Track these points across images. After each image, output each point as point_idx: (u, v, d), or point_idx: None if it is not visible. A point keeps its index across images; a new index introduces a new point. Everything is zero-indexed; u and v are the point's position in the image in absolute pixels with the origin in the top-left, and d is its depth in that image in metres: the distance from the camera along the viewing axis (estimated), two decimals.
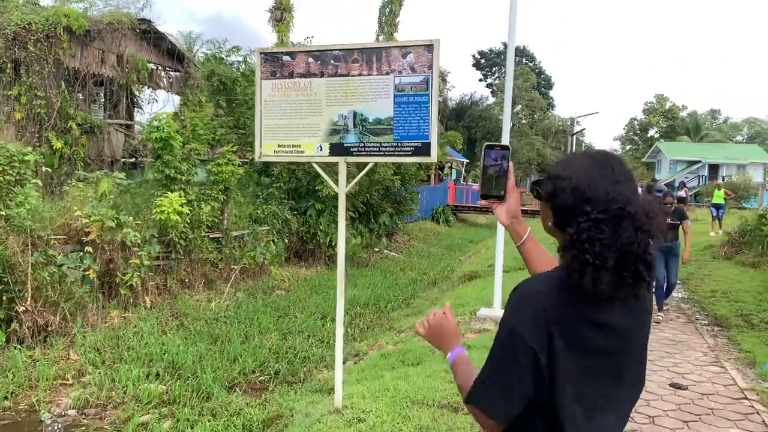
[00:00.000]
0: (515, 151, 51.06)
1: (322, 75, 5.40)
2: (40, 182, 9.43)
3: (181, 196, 11.57)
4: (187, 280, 12.36)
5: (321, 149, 5.41)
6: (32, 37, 14.28)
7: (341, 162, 5.37)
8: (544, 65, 72.93)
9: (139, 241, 10.32)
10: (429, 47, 5.11)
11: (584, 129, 58.43)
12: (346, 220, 17.20)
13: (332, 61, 5.37)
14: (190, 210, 12.03)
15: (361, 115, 5.29)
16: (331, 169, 10.97)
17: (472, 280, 13.05)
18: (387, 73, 5.23)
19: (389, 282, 14.62)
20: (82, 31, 15.08)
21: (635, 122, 74.48)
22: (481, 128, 53.61)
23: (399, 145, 5.22)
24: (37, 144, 14.36)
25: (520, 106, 58.79)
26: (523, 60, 66.36)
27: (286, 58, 5.47)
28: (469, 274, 13.84)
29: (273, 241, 14.77)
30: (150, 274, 11.04)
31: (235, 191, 14.05)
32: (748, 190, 41.75)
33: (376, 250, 19.10)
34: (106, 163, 16.47)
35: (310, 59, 5.42)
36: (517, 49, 67.75)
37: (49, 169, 14.40)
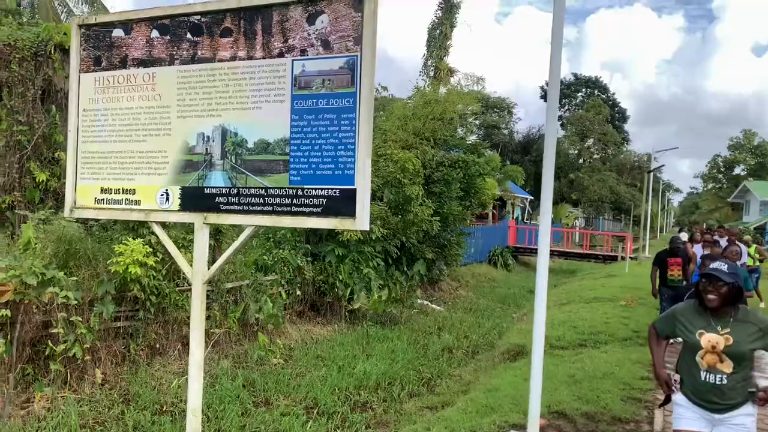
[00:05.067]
0: (585, 188, 47.42)
1: (171, 61, 2.92)
2: None
3: (149, 243, 9.34)
4: (158, 346, 10.04)
5: (167, 198, 2.92)
6: (17, 56, 12.54)
7: (199, 224, 2.85)
8: (618, 97, 68.74)
9: (75, 302, 8.08)
10: (356, 0, 2.55)
11: (663, 165, 53.97)
12: (375, 268, 14.54)
13: (189, 35, 2.89)
14: (166, 258, 9.77)
15: (235, 134, 2.77)
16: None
17: (517, 359, 10.14)
18: (281, 54, 2.70)
19: (416, 350, 11.84)
20: None
21: (719, 159, 68.87)
22: None
23: (299, 193, 2.66)
24: (17, 176, 12.54)
25: (591, 140, 55.06)
26: (595, 92, 62.69)
27: (117, 32, 3.04)
28: (515, 348, 10.91)
29: (280, 293, 12.35)
30: (101, 341, 8.76)
31: (232, 233, 11.77)
32: None
33: (413, 302, 16.39)
34: None
35: (155, 33, 2.97)
36: (588, 80, 64.57)
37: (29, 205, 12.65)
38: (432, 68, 21.48)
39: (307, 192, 2.66)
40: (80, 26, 3.11)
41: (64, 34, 13.44)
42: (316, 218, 2.66)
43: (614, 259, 28.82)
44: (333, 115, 2.61)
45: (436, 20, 22.15)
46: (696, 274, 9.16)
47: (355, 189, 2.55)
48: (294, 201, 2.68)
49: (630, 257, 26.91)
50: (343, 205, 2.58)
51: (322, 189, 2.63)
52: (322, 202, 2.63)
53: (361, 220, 2.51)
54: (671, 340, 3.78)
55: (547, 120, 5.58)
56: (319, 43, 2.63)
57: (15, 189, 12.71)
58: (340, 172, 2.59)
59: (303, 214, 2.68)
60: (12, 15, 18.16)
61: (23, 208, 13.00)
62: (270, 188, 2.73)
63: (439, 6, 22.33)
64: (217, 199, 2.83)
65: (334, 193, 2.61)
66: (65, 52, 13.29)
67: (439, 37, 21.61)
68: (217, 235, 11.17)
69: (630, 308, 13.20)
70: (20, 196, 12.73)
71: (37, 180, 13.00)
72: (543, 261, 5.39)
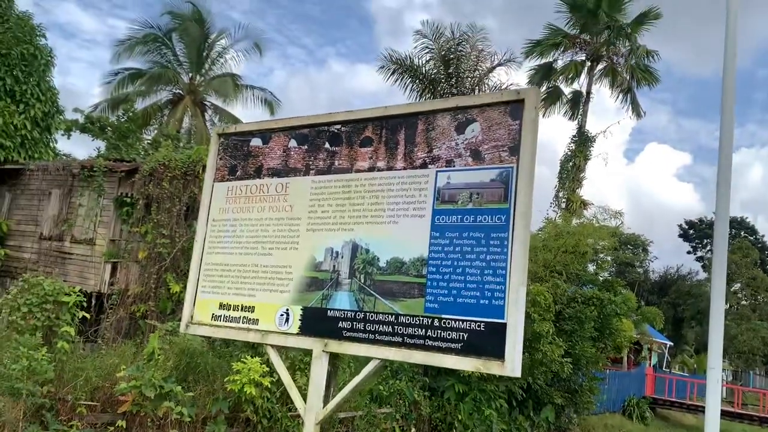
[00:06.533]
0: (733, 337, 42.92)
1: (307, 171, 2.73)
2: (72, 330, 7.58)
3: (266, 362, 9.18)
4: None
5: (287, 319, 2.61)
6: (169, 174, 13.61)
7: (318, 352, 2.49)
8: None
9: (188, 418, 7.90)
10: (514, 106, 2.24)
11: None
12: (498, 410, 13.52)
13: (327, 145, 2.70)
14: (282, 379, 9.53)
15: (366, 250, 2.46)
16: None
17: None
18: (424, 165, 2.42)
19: None
20: None
21: None
22: (690, 306, 46.36)
23: (435, 323, 2.24)
24: (153, 286, 13.16)
25: (738, 285, 50.50)
26: (741, 233, 58.50)
27: (255, 141, 2.92)
28: None
29: (394, 429, 11.60)
30: None
31: (347, 360, 11.38)
32: None
33: None
34: None
35: (293, 142, 2.81)
36: (732, 220, 60.76)
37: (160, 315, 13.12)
38: (564, 200, 20.97)
39: (445, 323, 2.24)
40: (219, 135, 3.06)
41: None
42: (454, 356, 2.20)
43: None
44: (480, 234, 2.23)
45: (569, 153, 21.91)
46: None
47: (505, 324, 2.09)
48: (429, 333, 2.27)
49: None
50: (490, 342, 2.12)
51: (463, 321, 2.20)
52: (463, 336, 2.18)
53: (512, 363, 2.02)
54: None
55: (713, 268, 4.80)
56: (468, 153, 2.32)
57: (150, 299, 13.30)
58: (487, 301, 2.16)
59: (438, 349, 2.24)
60: (171, 139, 20.15)
61: (155, 317, 13.52)
62: (401, 315, 2.34)
63: (572, 139, 22.19)
64: (340, 324, 2.48)
65: (479, 326, 2.16)
66: None
67: (572, 169, 21.25)
68: (335, 359, 10.79)
69: None
70: (154, 306, 13.28)
71: (171, 291, 13.53)
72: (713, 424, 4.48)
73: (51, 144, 17.59)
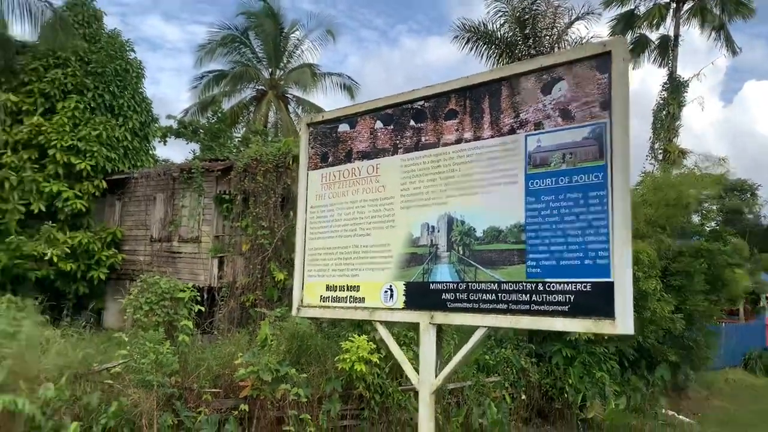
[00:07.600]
0: None
1: (395, 151, 2.78)
2: (190, 324, 8.06)
3: (372, 339, 9.41)
4: None
5: (391, 295, 2.69)
6: (261, 168, 14.13)
7: (425, 324, 2.55)
8: None
9: (305, 399, 8.26)
10: (601, 59, 2.17)
11: None
12: (609, 372, 13.22)
13: (412, 122, 2.73)
14: (389, 355, 9.76)
15: (462, 222, 2.48)
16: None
17: None
18: (512, 131, 2.40)
19: None
20: None
21: None
22: None
23: (539, 288, 2.24)
24: (259, 276, 13.75)
25: None
26: None
27: (343, 126, 3.00)
28: None
29: (504, 397, 11.60)
30: None
31: (452, 329, 11.45)
32: None
33: (656, 412, 14.36)
34: None
35: (378, 124, 2.86)
36: None
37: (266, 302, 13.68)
38: (660, 151, 19.97)
39: (549, 286, 2.24)
40: (308, 125, 3.16)
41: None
42: (563, 318, 2.20)
43: None
44: (578, 194, 2.19)
45: (662, 101, 20.79)
46: None
47: (612, 282, 2.06)
48: (533, 297, 2.27)
49: None
50: (598, 302, 2.10)
51: (568, 283, 2.19)
52: (570, 298, 2.18)
53: (624, 321, 2.00)
54: None
55: None
56: (557, 114, 2.29)
57: (257, 288, 13.89)
58: (591, 261, 2.13)
59: (545, 313, 2.24)
60: (259, 134, 20.78)
61: (263, 305, 14.13)
62: (503, 282, 2.36)
63: (663, 87, 21.02)
64: (443, 296, 2.53)
65: (585, 287, 2.15)
66: None
67: (666, 118, 20.15)
68: (440, 332, 10.88)
69: None
70: (261, 295, 13.86)
71: (275, 279, 14.07)
72: None
73: (150, 151, 18.61)
